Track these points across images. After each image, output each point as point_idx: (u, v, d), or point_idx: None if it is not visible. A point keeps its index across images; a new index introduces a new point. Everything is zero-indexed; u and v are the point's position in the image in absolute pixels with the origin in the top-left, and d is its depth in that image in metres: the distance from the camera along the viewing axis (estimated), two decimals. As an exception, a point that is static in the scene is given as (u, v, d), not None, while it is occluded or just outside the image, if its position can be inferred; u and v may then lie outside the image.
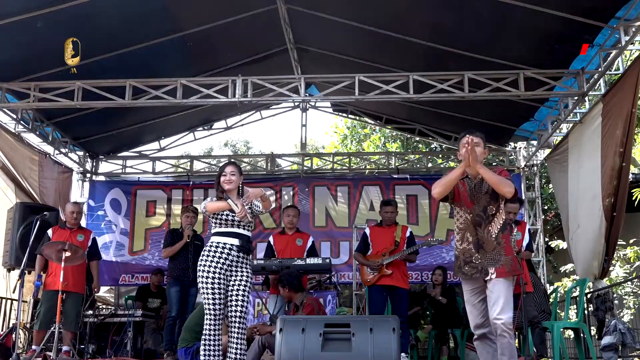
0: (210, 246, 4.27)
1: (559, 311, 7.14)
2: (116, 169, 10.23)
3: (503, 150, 9.78)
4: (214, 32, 7.07)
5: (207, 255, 4.24)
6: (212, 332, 4.15)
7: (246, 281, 4.30)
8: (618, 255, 8.40)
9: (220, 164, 7.59)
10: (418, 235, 7.42)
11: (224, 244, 4.26)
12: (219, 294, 4.18)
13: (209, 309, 4.16)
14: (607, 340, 5.57)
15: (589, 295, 6.85)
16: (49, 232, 6.31)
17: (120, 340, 6.67)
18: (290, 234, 6.44)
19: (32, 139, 8.30)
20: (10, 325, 6.90)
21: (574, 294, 7.15)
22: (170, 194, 9.66)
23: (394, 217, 6.18)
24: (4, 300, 7.34)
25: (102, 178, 10.02)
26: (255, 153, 18.49)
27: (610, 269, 7.54)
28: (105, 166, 10.27)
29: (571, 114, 7.42)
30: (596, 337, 6.57)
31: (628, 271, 8.57)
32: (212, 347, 4.15)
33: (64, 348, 5.97)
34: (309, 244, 6.43)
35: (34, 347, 6.07)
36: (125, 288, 9.73)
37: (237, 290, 4.25)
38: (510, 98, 7.09)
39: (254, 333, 5.31)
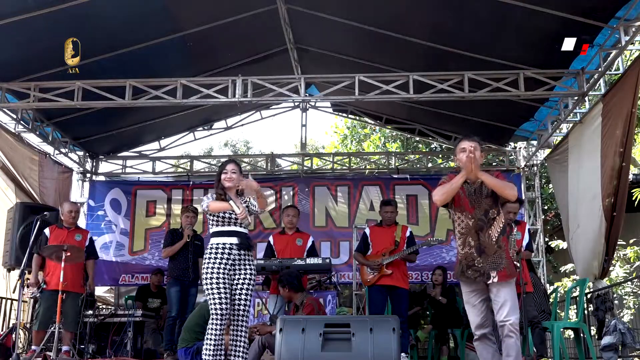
0: (211, 248, 4.28)
1: (559, 311, 7.14)
2: (116, 169, 10.23)
3: (503, 150, 9.78)
4: (214, 32, 7.06)
5: (209, 259, 4.24)
6: (217, 333, 4.14)
7: (250, 278, 4.31)
8: (618, 255, 8.39)
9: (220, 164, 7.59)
10: (418, 235, 7.42)
11: (224, 244, 4.26)
12: (225, 295, 4.18)
13: (216, 311, 4.14)
14: (607, 340, 5.57)
15: (589, 295, 6.85)
16: (46, 231, 6.29)
17: (120, 340, 6.67)
18: (290, 234, 6.43)
19: (32, 139, 8.31)
20: (10, 325, 6.90)
21: (574, 294, 7.15)
22: (170, 194, 9.66)
23: (394, 217, 6.18)
24: (4, 300, 7.34)
25: (102, 178, 10.02)
26: (255, 153, 18.49)
27: (610, 269, 7.54)
28: (105, 166, 10.29)
29: (571, 114, 7.42)
30: (596, 337, 6.57)
31: (628, 271, 8.56)
32: (216, 347, 4.13)
33: (64, 348, 5.97)
34: (309, 244, 6.43)
35: (33, 347, 6.07)
36: (125, 288, 9.74)
37: (242, 288, 4.27)
38: (510, 98, 7.09)
39: (254, 333, 5.31)
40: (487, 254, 3.79)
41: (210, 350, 4.13)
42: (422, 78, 6.76)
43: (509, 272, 3.75)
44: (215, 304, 4.15)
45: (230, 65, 8.05)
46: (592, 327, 7.07)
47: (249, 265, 4.34)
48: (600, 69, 6.45)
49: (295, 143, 16.57)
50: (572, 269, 8.88)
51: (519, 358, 3.69)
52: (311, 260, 6.07)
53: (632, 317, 8.25)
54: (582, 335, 5.83)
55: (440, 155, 11.22)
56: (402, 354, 5.04)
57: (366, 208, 9.41)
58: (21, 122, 7.84)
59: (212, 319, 4.16)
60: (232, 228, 4.30)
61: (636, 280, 8.33)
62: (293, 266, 5.92)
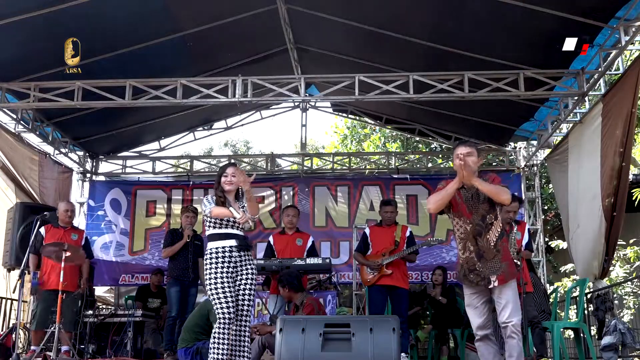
0: (211, 253, 4.26)
1: (559, 311, 7.14)
2: (116, 169, 10.23)
3: (503, 150, 9.77)
4: (214, 32, 7.06)
5: (211, 264, 4.23)
6: (222, 335, 4.11)
7: (252, 278, 4.31)
8: (618, 255, 8.39)
9: (221, 164, 7.61)
10: (418, 235, 7.42)
11: (224, 247, 4.25)
12: (232, 298, 4.17)
13: (223, 314, 4.11)
14: (607, 340, 5.57)
15: (589, 295, 6.85)
16: (42, 230, 6.26)
17: (120, 340, 6.67)
18: (290, 234, 6.43)
19: (32, 139, 8.31)
20: (10, 325, 6.90)
21: (574, 294, 7.15)
22: (170, 194, 9.66)
23: (394, 217, 6.18)
24: (4, 300, 7.34)
25: (102, 178, 10.02)
26: (255, 153, 18.49)
27: (610, 269, 7.54)
28: (105, 166, 10.29)
29: (571, 114, 7.42)
30: (596, 337, 6.57)
31: (628, 271, 8.56)
32: (222, 349, 4.11)
33: (63, 348, 5.97)
34: (309, 244, 6.43)
35: (33, 347, 6.07)
36: (125, 288, 9.74)
37: (244, 289, 4.27)
38: (510, 98, 7.09)
39: (254, 333, 5.31)
40: (486, 259, 3.82)
41: (218, 350, 4.09)
42: (422, 78, 6.76)
43: (507, 275, 3.77)
44: (222, 308, 4.12)
45: (230, 65, 8.05)
46: (592, 327, 7.07)
47: (250, 265, 4.34)
48: (600, 69, 6.45)
49: (295, 143, 16.59)
50: (572, 269, 8.87)
51: (520, 358, 3.70)
52: (311, 260, 6.08)
53: (632, 317, 8.25)
54: (582, 335, 5.83)
55: (440, 155, 11.22)
56: (402, 354, 5.04)
57: (366, 208, 9.41)
58: (21, 122, 7.84)
59: (220, 323, 4.11)
60: (229, 230, 4.29)
61: (636, 280, 8.32)
62: (293, 266, 5.92)
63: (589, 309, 6.96)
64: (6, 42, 6.27)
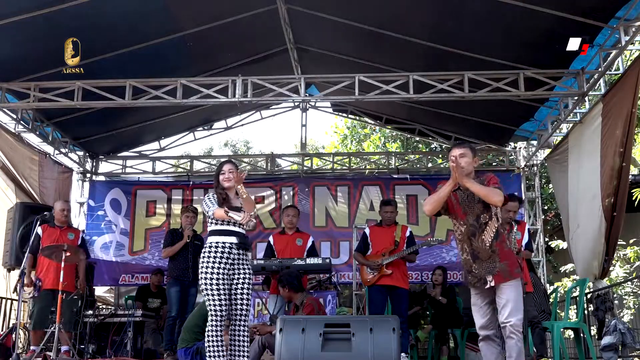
0: (210, 247, 4.26)
1: (559, 311, 7.14)
2: (116, 169, 10.23)
3: (503, 150, 9.77)
4: (214, 32, 7.06)
5: (208, 257, 4.23)
6: (216, 332, 4.14)
7: (249, 279, 4.32)
8: (618, 255, 8.39)
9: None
10: (418, 235, 7.41)
11: (223, 243, 4.26)
12: (224, 294, 4.17)
13: (214, 310, 4.14)
14: (607, 340, 5.57)
15: (589, 295, 6.85)
16: (38, 230, 6.23)
17: (120, 340, 6.67)
18: (290, 234, 6.43)
19: (32, 139, 8.30)
20: (10, 325, 6.90)
21: (574, 294, 7.15)
22: (170, 194, 9.66)
23: (394, 217, 6.18)
24: (4, 300, 7.34)
25: (102, 178, 10.02)
26: (255, 153, 18.49)
27: (610, 269, 7.54)
28: (105, 166, 10.29)
29: (571, 114, 7.42)
30: (596, 337, 6.57)
31: (628, 271, 8.56)
32: (217, 347, 4.13)
33: (63, 348, 5.96)
34: (309, 244, 6.42)
35: (32, 347, 6.07)
36: (125, 288, 9.74)
37: (242, 288, 4.27)
38: (510, 98, 7.09)
39: (254, 333, 5.31)
40: (482, 259, 3.82)
41: (214, 351, 4.11)
42: (422, 78, 6.76)
43: (505, 274, 3.75)
44: (214, 304, 4.14)
45: (230, 65, 8.05)
46: (592, 327, 7.07)
47: (247, 265, 4.35)
48: (600, 69, 6.44)
49: (295, 143, 16.59)
50: (572, 269, 8.87)
51: (520, 359, 3.69)
52: (311, 260, 6.07)
53: (632, 317, 8.25)
54: (582, 335, 5.84)
55: (440, 155, 11.22)
56: (402, 354, 5.04)
57: (366, 208, 9.41)
58: (21, 122, 7.84)
59: (212, 319, 4.14)
60: (232, 228, 4.30)
61: (636, 280, 8.32)
62: (293, 266, 5.92)
63: (589, 309, 6.96)
64: (6, 42, 6.27)
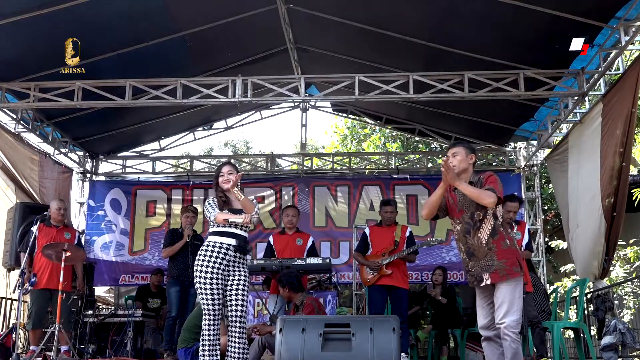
0: (207, 246, 4.27)
1: (559, 311, 7.14)
2: (116, 169, 10.23)
3: (503, 150, 9.78)
4: (214, 32, 7.06)
5: (204, 256, 4.23)
6: (211, 333, 4.15)
7: (244, 281, 4.30)
8: (618, 255, 8.39)
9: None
10: (418, 235, 7.41)
11: (221, 243, 4.26)
12: (217, 294, 4.18)
13: (208, 310, 4.16)
14: (607, 340, 5.57)
15: (589, 295, 6.85)
16: (34, 229, 6.23)
17: (120, 340, 6.68)
18: (290, 234, 6.43)
19: (32, 139, 8.31)
20: (10, 325, 6.90)
21: (574, 294, 7.15)
22: (170, 194, 9.66)
23: (394, 217, 6.18)
24: (4, 300, 7.34)
25: (102, 178, 10.02)
26: (255, 153, 18.51)
27: (610, 269, 7.54)
28: (105, 166, 10.29)
29: (571, 114, 7.42)
30: (596, 337, 6.57)
31: (628, 271, 8.56)
32: (210, 348, 4.14)
33: (63, 348, 5.97)
34: (309, 244, 6.42)
35: (32, 347, 6.07)
36: (125, 288, 9.75)
37: (237, 290, 4.25)
38: (510, 98, 7.09)
39: (254, 333, 5.31)
40: (478, 257, 3.81)
41: (206, 350, 4.13)
42: (422, 78, 6.76)
43: (501, 273, 3.73)
44: (207, 302, 4.16)
45: (230, 65, 8.05)
46: (592, 327, 7.07)
47: (244, 268, 4.33)
48: (600, 69, 6.44)
49: (295, 143, 16.59)
50: (572, 269, 8.88)
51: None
52: (311, 260, 6.07)
53: (632, 317, 8.25)
54: (582, 335, 5.84)
55: (440, 155, 11.20)
56: (402, 354, 5.04)
57: (366, 208, 9.41)
58: (21, 122, 7.84)
59: (205, 317, 4.16)
60: (232, 230, 4.30)
61: (636, 280, 8.32)
62: (293, 266, 5.91)
63: (589, 309, 6.96)
64: (6, 42, 6.27)
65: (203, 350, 4.16)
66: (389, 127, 11.49)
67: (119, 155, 10.20)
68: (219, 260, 4.22)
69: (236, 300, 4.24)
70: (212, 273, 4.18)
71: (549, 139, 8.36)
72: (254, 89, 6.99)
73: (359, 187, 9.51)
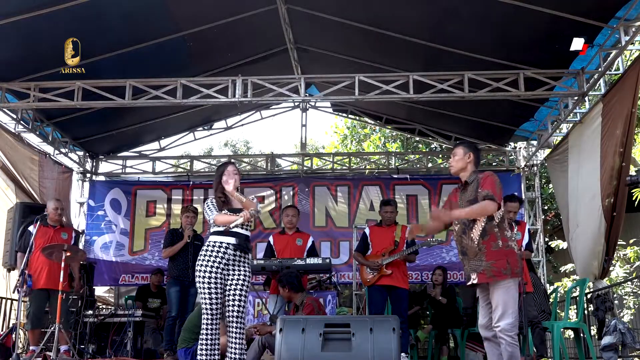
0: (208, 246, 4.28)
1: (559, 311, 7.14)
2: (116, 169, 10.23)
3: (503, 150, 9.78)
4: (214, 32, 7.06)
5: (204, 255, 4.25)
6: (209, 333, 4.15)
7: (244, 280, 4.29)
8: (618, 255, 8.40)
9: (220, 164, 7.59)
10: (418, 236, 7.38)
11: (221, 242, 4.26)
12: (216, 293, 4.18)
13: (207, 309, 4.17)
14: (607, 340, 5.57)
15: (589, 295, 6.85)
16: (31, 228, 6.19)
17: (120, 340, 6.68)
18: (290, 234, 6.43)
19: (32, 139, 8.31)
20: (10, 325, 6.90)
21: (574, 294, 7.15)
22: (170, 194, 9.66)
23: (394, 217, 6.18)
24: (4, 300, 7.34)
25: (102, 178, 10.02)
26: (255, 153, 18.51)
27: (610, 269, 7.54)
28: (105, 166, 10.29)
29: (571, 114, 7.42)
30: (596, 337, 6.57)
31: (628, 271, 8.57)
32: (209, 348, 4.14)
33: (62, 347, 5.96)
34: (309, 244, 6.42)
35: (32, 347, 6.07)
36: (125, 288, 9.75)
37: (235, 289, 4.25)
38: (510, 98, 7.09)
39: (253, 333, 5.31)
40: (469, 257, 3.87)
41: (204, 349, 4.13)
42: (422, 78, 6.76)
43: (488, 274, 3.75)
44: (207, 302, 4.17)
45: (230, 65, 8.05)
46: (592, 327, 7.07)
47: (244, 267, 4.32)
48: (600, 69, 6.44)
49: (295, 143, 16.59)
50: (572, 269, 8.88)
51: None
52: (311, 260, 6.07)
53: (632, 317, 8.25)
54: (582, 335, 5.84)
55: (440, 155, 11.23)
56: (402, 354, 5.04)
57: (366, 208, 9.41)
58: (21, 122, 7.84)
59: (204, 317, 4.18)
60: (233, 229, 4.30)
61: (636, 280, 8.33)
62: (293, 266, 5.91)
63: (589, 309, 6.96)
64: (6, 42, 6.27)
65: (200, 349, 4.16)
66: (389, 127, 11.49)
67: (119, 155, 10.20)
68: (218, 259, 4.22)
69: (233, 299, 4.24)
70: (210, 272, 4.19)
71: (549, 139, 8.36)
72: (254, 89, 6.99)
73: (359, 187, 9.51)
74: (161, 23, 6.69)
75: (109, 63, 6.96)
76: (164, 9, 6.40)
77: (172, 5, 6.41)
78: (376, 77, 6.89)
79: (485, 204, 3.74)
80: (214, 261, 4.21)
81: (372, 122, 11.57)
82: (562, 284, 9.39)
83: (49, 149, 8.67)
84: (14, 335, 6.16)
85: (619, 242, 6.80)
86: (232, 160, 6.16)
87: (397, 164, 10.12)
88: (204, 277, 4.19)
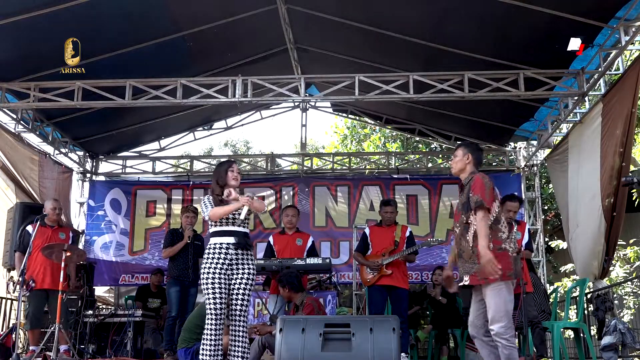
0: (209, 248, 4.30)
1: (559, 311, 7.14)
2: (116, 169, 10.23)
3: (503, 150, 9.78)
4: (214, 32, 7.06)
5: (207, 259, 4.26)
6: (213, 333, 4.15)
7: (247, 278, 4.29)
8: (618, 255, 8.40)
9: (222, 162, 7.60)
10: (418, 235, 7.42)
11: (221, 244, 4.27)
12: (221, 296, 4.18)
13: (211, 311, 4.16)
14: (607, 340, 5.57)
15: (589, 295, 6.85)
16: (29, 228, 6.18)
17: (120, 340, 6.68)
18: (290, 234, 6.43)
19: (32, 139, 8.31)
20: (10, 325, 6.90)
21: (574, 294, 7.15)
22: (170, 194, 9.66)
23: (394, 217, 6.18)
24: (4, 300, 7.34)
25: (102, 178, 10.02)
26: (255, 153, 18.51)
27: (610, 269, 7.54)
28: (105, 166, 10.29)
29: (571, 114, 7.42)
30: (596, 337, 6.57)
31: (628, 271, 8.57)
32: (212, 348, 4.14)
33: (62, 347, 5.96)
34: (309, 244, 6.42)
35: (32, 347, 6.07)
36: (125, 288, 9.74)
37: (239, 288, 4.26)
38: (510, 98, 7.09)
39: (254, 333, 5.31)
40: (464, 259, 3.90)
41: (207, 350, 4.13)
42: (422, 78, 6.76)
43: (479, 276, 3.76)
44: (211, 304, 4.17)
45: (230, 65, 8.05)
46: (592, 327, 7.07)
47: (248, 264, 4.33)
48: (600, 69, 6.44)
49: (295, 143, 16.59)
50: (572, 269, 8.88)
51: None
52: (311, 260, 6.07)
53: (632, 317, 8.25)
54: (582, 335, 5.83)
55: (440, 155, 11.22)
56: (402, 354, 5.04)
57: (366, 208, 9.41)
58: (21, 122, 7.84)
59: (208, 319, 4.17)
60: (230, 228, 4.30)
61: (636, 280, 8.33)
62: (293, 266, 5.91)
63: (589, 309, 6.96)
64: (6, 42, 6.27)
65: (204, 350, 4.15)
66: (389, 127, 11.49)
67: (119, 155, 10.20)
68: (220, 260, 4.23)
69: (236, 298, 4.25)
70: (214, 274, 4.19)
71: (549, 139, 8.36)
72: (254, 89, 6.99)
73: (359, 187, 9.51)
74: (161, 23, 6.69)
75: (109, 63, 6.96)
76: (164, 9, 6.40)
77: (172, 5, 6.42)
78: (376, 77, 6.89)
79: (479, 218, 3.77)
80: (217, 263, 4.22)
81: (372, 122, 11.57)
82: (562, 284, 9.39)
83: (49, 149, 8.67)
84: (14, 335, 6.16)
85: (619, 242, 6.80)
86: (233, 160, 6.16)
87: (397, 164, 10.12)
88: (207, 278, 4.19)
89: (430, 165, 10.39)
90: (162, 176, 10.17)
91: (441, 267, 7.88)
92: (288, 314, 5.68)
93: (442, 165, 10.54)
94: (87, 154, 9.77)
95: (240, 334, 4.25)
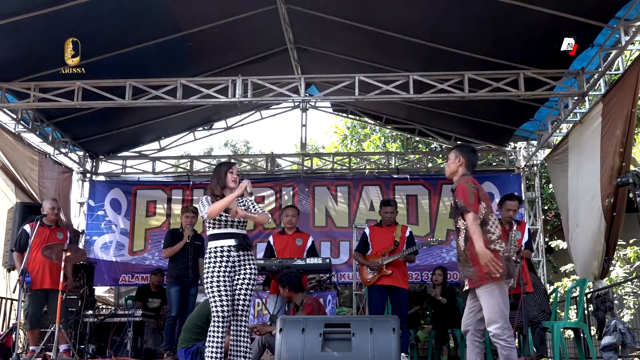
0: (210, 252, 4.28)
1: (559, 311, 7.14)
2: (116, 169, 10.23)
3: (503, 150, 9.78)
4: (214, 32, 7.06)
5: (209, 263, 4.24)
6: (220, 337, 4.13)
7: (250, 278, 4.29)
8: (618, 255, 8.40)
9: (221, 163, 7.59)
10: (418, 235, 7.42)
11: (222, 247, 4.26)
12: (227, 298, 4.17)
13: (218, 314, 4.14)
14: (607, 340, 5.57)
15: (589, 295, 6.85)
16: (27, 228, 6.18)
17: (120, 340, 6.68)
18: (290, 234, 6.43)
19: (32, 139, 8.31)
20: (10, 325, 6.90)
21: (574, 294, 7.15)
22: (170, 194, 9.66)
23: (394, 217, 6.18)
24: (4, 300, 7.34)
25: (102, 178, 10.02)
26: (255, 153, 18.51)
27: (610, 269, 7.54)
28: (105, 166, 10.29)
29: (571, 114, 7.42)
30: (596, 337, 6.57)
31: (628, 271, 8.57)
32: (217, 351, 4.12)
33: (62, 347, 5.96)
34: (309, 244, 6.42)
35: (32, 347, 6.06)
36: (125, 288, 9.74)
37: (241, 289, 4.26)
38: (510, 98, 7.09)
39: (254, 333, 5.31)
40: (461, 262, 3.92)
41: (212, 353, 4.12)
42: (422, 78, 6.76)
43: (474, 280, 3.78)
44: (216, 307, 4.15)
45: (230, 65, 8.05)
46: (592, 327, 7.07)
47: (249, 265, 4.32)
48: (600, 69, 6.44)
49: (295, 143, 16.59)
50: (572, 269, 8.88)
51: None
52: (311, 260, 6.07)
53: (632, 317, 8.25)
54: (582, 335, 5.83)
55: (440, 155, 11.23)
56: (402, 354, 5.04)
57: (366, 208, 9.41)
58: (21, 122, 7.84)
59: (214, 322, 4.15)
60: (229, 230, 4.29)
61: (636, 280, 8.33)
62: (293, 266, 5.91)
63: (589, 309, 6.96)
64: (6, 42, 6.27)
65: (209, 351, 4.12)
66: (389, 127, 11.50)
67: (119, 155, 10.20)
68: (223, 264, 4.22)
69: (238, 298, 4.25)
70: (217, 277, 4.18)
71: (549, 139, 8.36)
72: (254, 89, 6.99)
73: (359, 187, 9.51)
74: (161, 23, 6.69)
75: (109, 63, 6.96)
76: (164, 8, 6.40)
77: (172, 5, 6.42)
78: (376, 77, 6.89)
79: (469, 221, 3.78)
80: (219, 267, 4.21)
81: (372, 122, 11.57)
82: (562, 284, 9.39)
83: (49, 149, 8.67)
84: (14, 335, 6.16)
85: (619, 242, 6.80)
86: (233, 161, 6.17)
87: (397, 164, 10.13)
88: (212, 284, 4.17)
89: (430, 165, 10.40)
90: (162, 176, 10.17)
91: (441, 267, 7.89)
92: (288, 314, 5.68)
93: (442, 165, 10.53)
94: (87, 154, 9.77)
95: (243, 334, 4.25)
